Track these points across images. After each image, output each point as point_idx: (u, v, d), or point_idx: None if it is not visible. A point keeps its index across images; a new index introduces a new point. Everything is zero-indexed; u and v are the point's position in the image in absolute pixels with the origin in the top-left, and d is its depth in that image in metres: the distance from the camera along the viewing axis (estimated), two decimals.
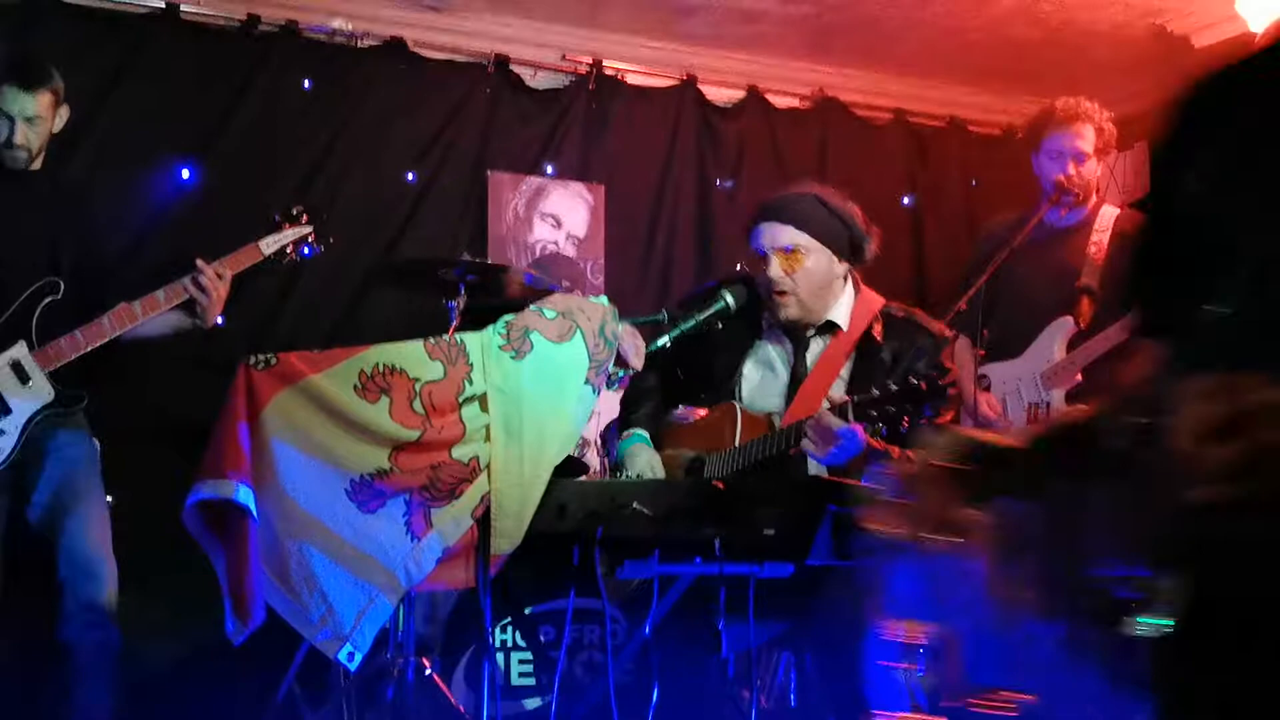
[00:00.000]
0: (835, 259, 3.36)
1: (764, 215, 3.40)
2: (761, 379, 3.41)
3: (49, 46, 4.95)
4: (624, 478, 3.32)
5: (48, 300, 3.81)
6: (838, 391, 3.23)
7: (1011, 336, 4.11)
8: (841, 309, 3.39)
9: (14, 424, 3.71)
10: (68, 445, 3.87)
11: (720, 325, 3.42)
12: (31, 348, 3.75)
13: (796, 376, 3.36)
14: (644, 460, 3.36)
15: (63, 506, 3.82)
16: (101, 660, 3.81)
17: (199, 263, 3.81)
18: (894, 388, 2.90)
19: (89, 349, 3.77)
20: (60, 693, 3.82)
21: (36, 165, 3.94)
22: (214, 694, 4.31)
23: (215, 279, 3.81)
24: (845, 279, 3.42)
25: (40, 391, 3.75)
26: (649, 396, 3.54)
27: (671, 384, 3.55)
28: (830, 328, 3.37)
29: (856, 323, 3.37)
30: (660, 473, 3.35)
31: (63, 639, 3.78)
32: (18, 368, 3.73)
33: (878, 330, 3.31)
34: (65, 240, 3.94)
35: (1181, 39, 5.78)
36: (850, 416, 2.93)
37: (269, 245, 3.96)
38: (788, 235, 3.33)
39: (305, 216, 4.06)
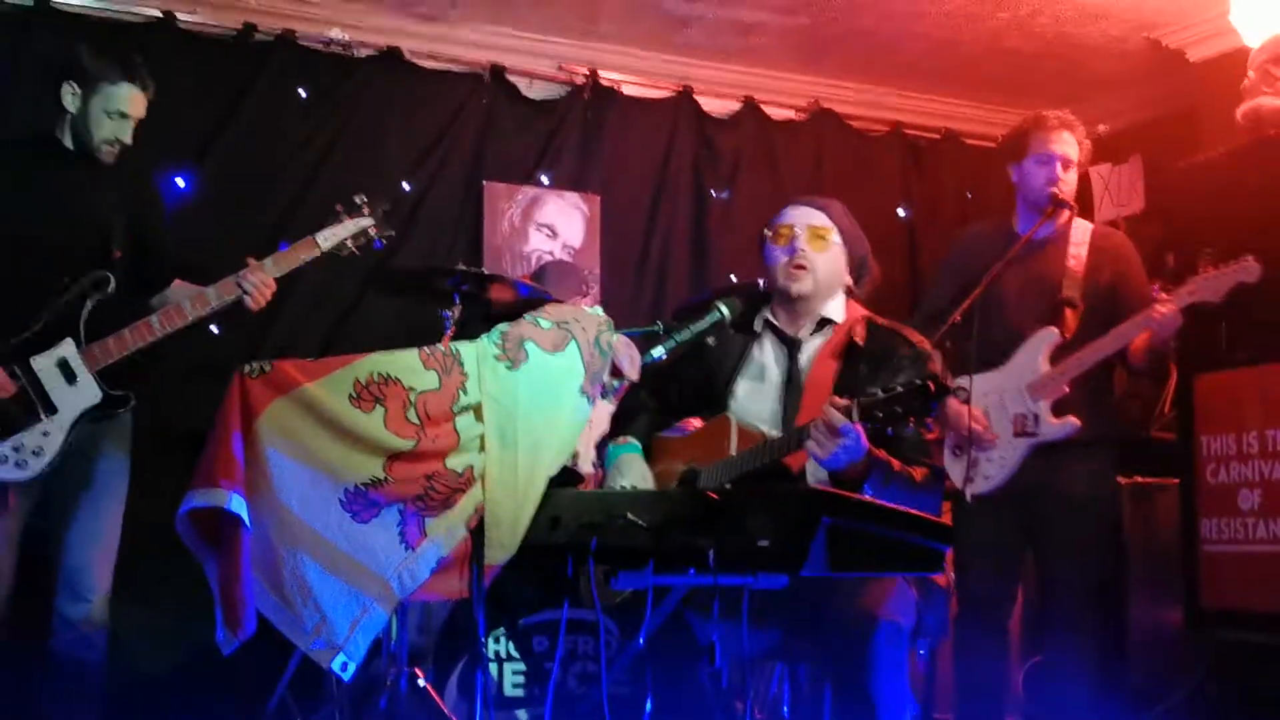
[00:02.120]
0: (846, 265, 3.45)
1: (800, 202, 3.50)
2: (754, 386, 3.41)
3: (45, 55, 4.97)
4: (615, 486, 3.31)
5: (97, 297, 3.68)
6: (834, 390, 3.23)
7: (988, 348, 4.09)
8: (833, 311, 3.43)
9: (60, 424, 3.59)
10: (105, 456, 3.78)
11: (711, 340, 3.44)
12: (79, 345, 3.63)
13: (792, 381, 3.35)
14: (636, 471, 3.35)
15: (73, 517, 3.73)
16: (83, 679, 3.74)
17: (250, 262, 3.78)
18: (899, 388, 2.90)
19: (135, 349, 3.68)
20: (44, 703, 3.78)
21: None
22: (207, 703, 4.30)
23: (262, 285, 3.79)
24: (841, 290, 3.45)
25: (86, 392, 3.63)
26: (644, 411, 3.54)
27: (666, 400, 3.54)
28: (824, 324, 3.38)
29: (842, 330, 3.39)
30: (651, 484, 3.34)
31: (51, 651, 3.73)
32: (65, 366, 3.61)
33: (859, 333, 3.32)
34: (121, 236, 3.85)
35: (1176, 52, 5.81)
36: (854, 417, 2.92)
37: (326, 239, 3.87)
38: (822, 220, 3.43)
39: (367, 207, 3.94)
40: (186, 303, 3.74)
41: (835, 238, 3.42)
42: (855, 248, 3.46)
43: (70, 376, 3.61)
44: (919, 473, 3.16)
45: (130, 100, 3.86)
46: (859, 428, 2.92)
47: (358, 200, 3.94)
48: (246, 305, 3.80)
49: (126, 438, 3.85)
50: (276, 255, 3.82)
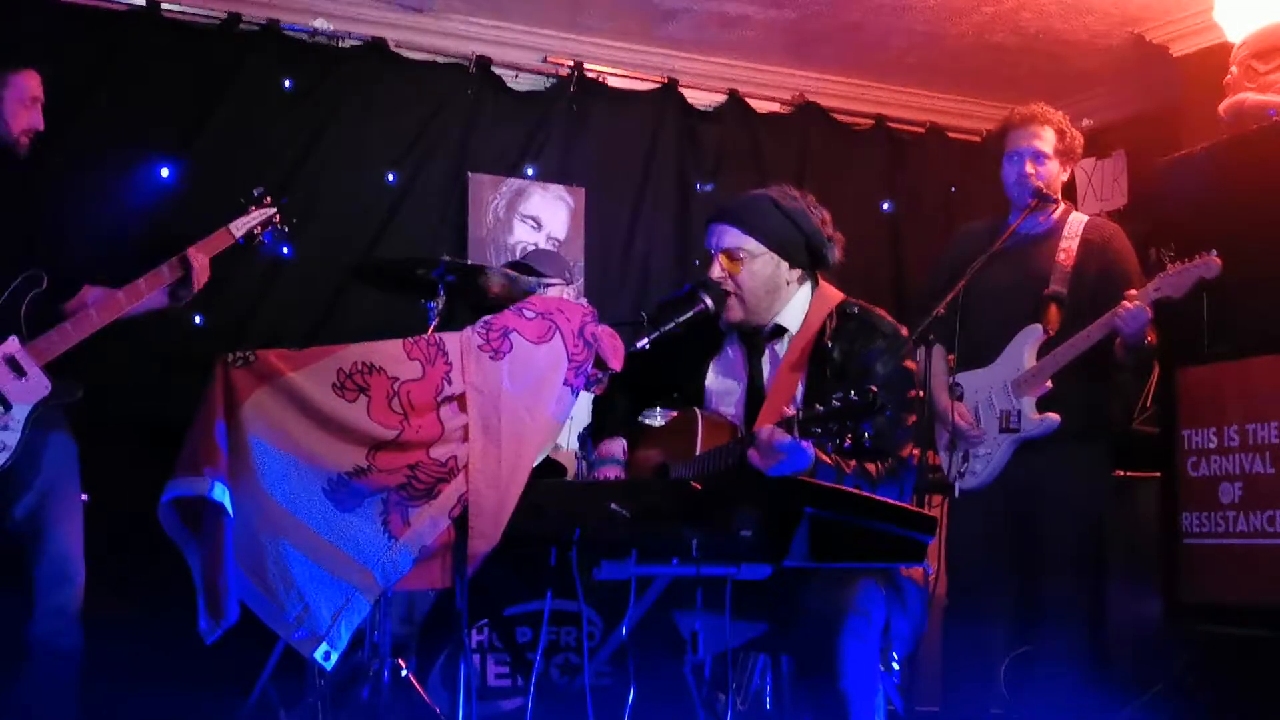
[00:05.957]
0: (784, 263, 3.32)
1: (715, 217, 3.39)
2: (724, 386, 3.40)
3: (28, 43, 4.94)
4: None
5: (33, 293, 3.71)
6: (798, 396, 3.21)
7: (982, 345, 4.11)
8: (792, 312, 3.34)
9: (16, 419, 3.63)
10: (57, 446, 3.81)
11: (681, 330, 3.39)
12: (23, 341, 3.67)
13: (754, 385, 3.34)
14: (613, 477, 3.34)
15: (46, 508, 3.75)
16: (67, 665, 3.76)
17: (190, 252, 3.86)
18: (836, 404, 2.87)
19: (80, 341, 3.71)
20: (22, 693, 3.77)
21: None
22: (188, 694, 4.29)
23: (205, 268, 3.87)
24: (800, 283, 3.36)
25: (38, 385, 3.66)
26: (620, 401, 3.53)
27: (642, 388, 3.53)
28: (780, 332, 3.35)
29: (810, 324, 3.31)
30: None
31: (31, 641, 3.72)
32: (12, 362, 3.64)
33: (829, 330, 3.27)
34: (42, 233, 3.87)
35: (1159, 48, 5.82)
36: (796, 431, 2.91)
37: (238, 229, 4.03)
38: (732, 238, 3.30)
39: (269, 199, 4.13)
40: (120, 293, 3.77)
41: (754, 247, 3.28)
42: (788, 241, 3.31)
43: (19, 372, 3.66)
44: (876, 468, 3.13)
45: (38, 85, 3.84)
46: (804, 442, 2.92)
47: (256, 193, 4.12)
48: (181, 291, 3.86)
49: (67, 428, 3.87)
50: (199, 243, 3.92)
